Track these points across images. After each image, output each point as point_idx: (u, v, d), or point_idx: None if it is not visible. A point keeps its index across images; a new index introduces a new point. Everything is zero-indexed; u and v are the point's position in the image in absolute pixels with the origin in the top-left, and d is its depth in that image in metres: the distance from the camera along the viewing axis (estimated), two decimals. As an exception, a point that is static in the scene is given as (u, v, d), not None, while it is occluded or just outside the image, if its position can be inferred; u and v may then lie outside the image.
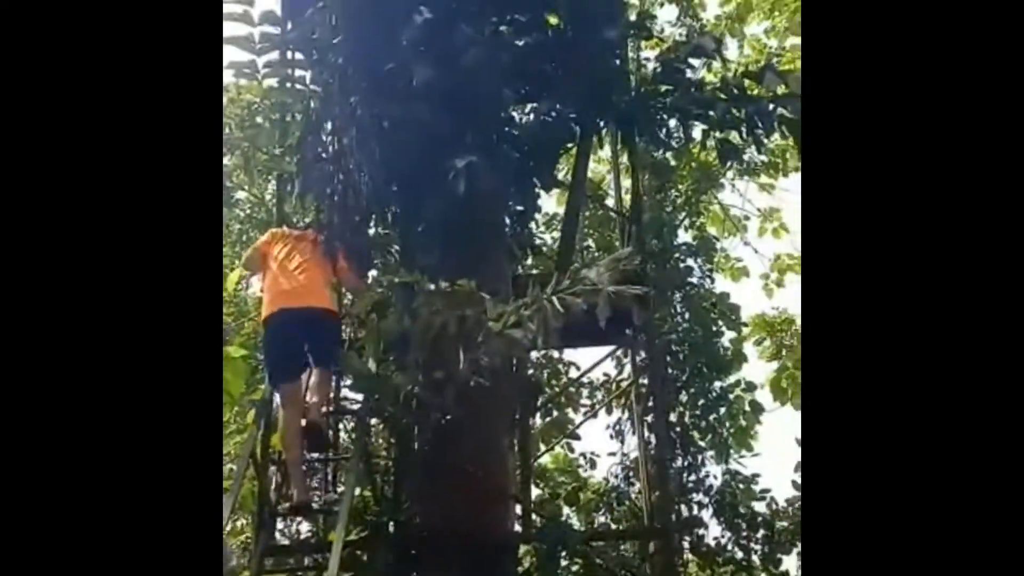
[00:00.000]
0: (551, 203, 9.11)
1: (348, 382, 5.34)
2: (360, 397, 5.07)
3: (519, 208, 5.31)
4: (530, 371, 7.01)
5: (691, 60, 5.01)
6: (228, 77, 5.74)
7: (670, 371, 7.61)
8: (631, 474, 7.81)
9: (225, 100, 6.89)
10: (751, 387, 8.22)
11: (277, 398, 4.71)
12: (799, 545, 6.87)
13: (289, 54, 5.29)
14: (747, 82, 5.02)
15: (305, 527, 6.63)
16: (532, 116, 5.34)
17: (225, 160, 6.31)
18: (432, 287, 3.90)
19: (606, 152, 8.19)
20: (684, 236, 8.56)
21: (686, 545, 7.11)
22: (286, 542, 6.31)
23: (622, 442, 7.85)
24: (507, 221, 5.24)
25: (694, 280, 8.10)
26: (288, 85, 5.19)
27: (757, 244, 12.62)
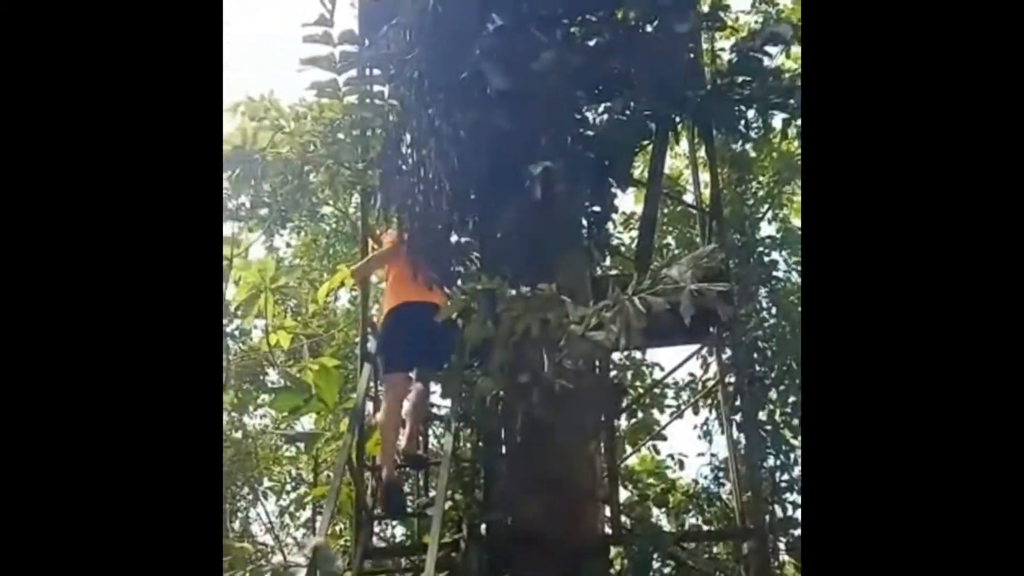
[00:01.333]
0: (629, 202, 9.05)
1: (436, 388, 5.45)
2: (448, 402, 5.16)
3: (596, 209, 5.31)
4: (614, 373, 6.98)
5: (767, 48, 4.89)
6: (310, 96, 5.96)
7: (758, 368, 7.43)
8: (721, 475, 7.66)
9: (308, 118, 7.15)
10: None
11: (375, 401, 4.87)
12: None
13: (367, 71, 5.45)
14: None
15: (400, 531, 6.80)
16: (607, 116, 5.33)
17: (311, 177, 6.53)
18: (513, 292, 3.94)
19: (683, 147, 8.08)
20: (768, 229, 8.35)
21: (781, 546, 6.93)
22: (383, 545, 6.48)
23: (710, 442, 7.72)
24: (584, 223, 5.24)
25: (779, 274, 7.89)
26: (367, 101, 5.34)
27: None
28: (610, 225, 6.07)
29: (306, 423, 7.20)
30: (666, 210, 8.40)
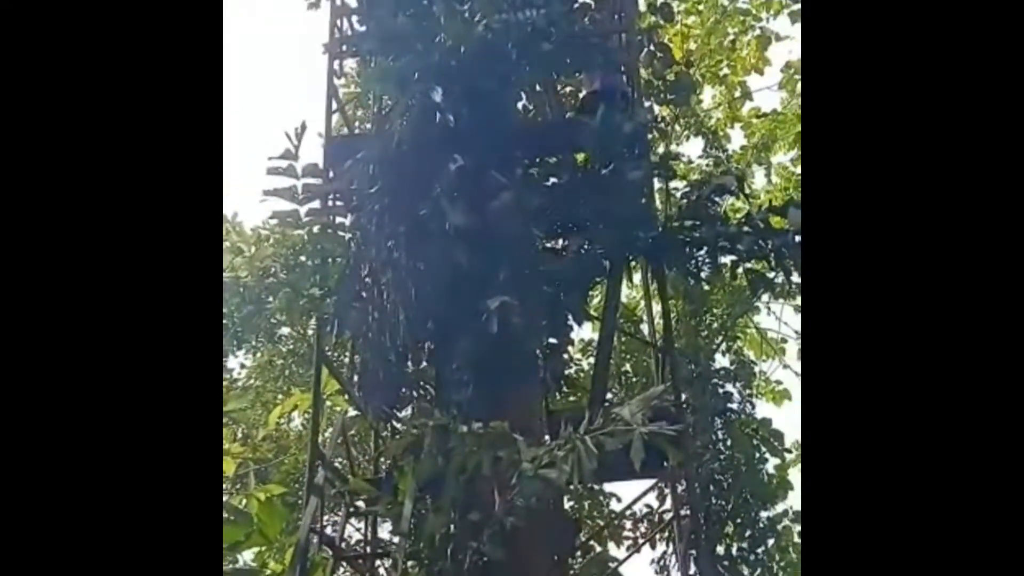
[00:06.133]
0: (586, 329, 9.17)
1: (385, 524, 5.29)
2: (396, 539, 5.00)
3: (552, 342, 5.38)
4: (570, 504, 6.86)
5: (715, 198, 5.17)
6: (273, 223, 6.07)
7: (714, 501, 7.38)
8: (679, 613, 7.42)
9: (271, 240, 7.25)
10: (800, 517, 7.89)
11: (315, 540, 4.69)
12: None
13: (330, 201, 5.59)
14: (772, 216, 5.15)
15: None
16: (563, 253, 5.50)
17: (270, 300, 6.55)
18: (465, 428, 3.92)
19: (639, 277, 8.30)
20: (722, 360, 8.50)
21: None
22: None
23: (668, 578, 7.52)
24: (540, 355, 5.29)
25: (734, 406, 7.97)
26: (328, 231, 5.45)
27: (797, 366, 12.40)
28: (566, 355, 6.14)
29: (248, 556, 6.88)
30: (624, 339, 8.52)
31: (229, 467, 7.25)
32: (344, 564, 6.12)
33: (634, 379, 8.89)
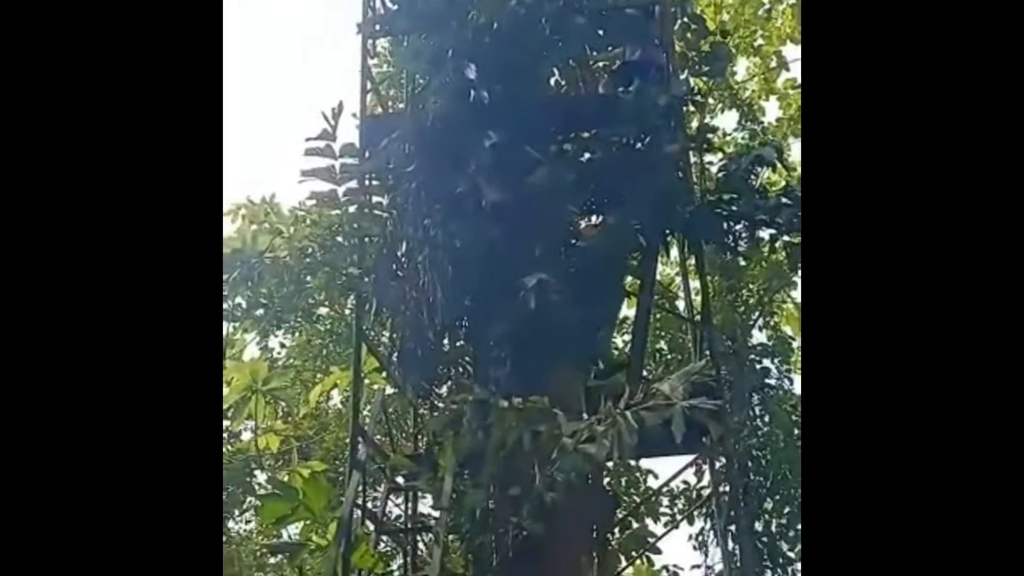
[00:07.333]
0: (623, 306, 9.13)
1: (426, 499, 5.37)
2: (437, 513, 5.07)
3: (588, 318, 5.37)
4: (607, 481, 6.88)
5: (753, 168, 5.09)
6: (311, 204, 6.13)
7: (753, 477, 7.34)
8: (717, 588, 7.44)
9: (307, 222, 7.31)
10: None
11: (363, 510, 4.76)
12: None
13: (367, 181, 5.62)
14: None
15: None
16: (598, 228, 5.47)
17: (308, 280, 6.63)
18: (505, 403, 3.95)
19: (674, 254, 8.24)
20: (759, 336, 8.42)
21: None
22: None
23: (706, 554, 7.53)
24: (577, 332, 5.29)
25: (772, 382, 7.90)
26: (366, 210, 5.49)
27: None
28: (603, 333, 6.13)
29: (293, 530, 7.03)
30: (659, 316, 8.48)
31: (273, 443, 7.40)
32: (386, 538, 6.23)
33: (669, 356, 8.85)
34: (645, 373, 7.19)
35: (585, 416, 4.13)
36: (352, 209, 5.52)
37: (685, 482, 7.92)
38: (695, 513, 7.60)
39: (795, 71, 9.82)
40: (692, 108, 7.18)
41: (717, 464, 6.54)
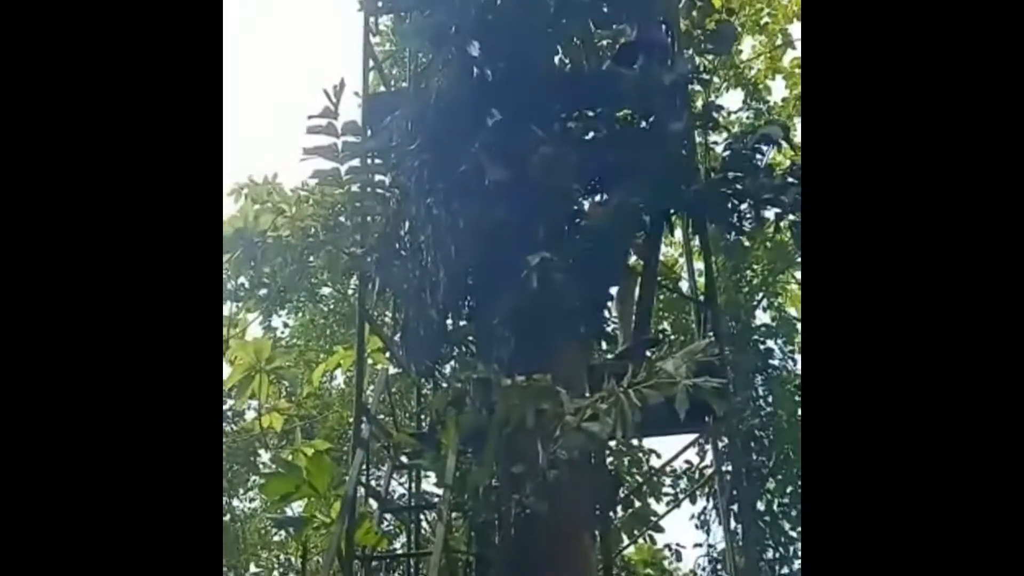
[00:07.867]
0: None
1: (429, 477, 5.39)
2: (440, 491, 5.09)
3: (592, 298, 5.36)
4: (610, 460, 6.90)
5: (759, 147, 5.06)
6: (313, 183, 6.10)
7: (755, 457, 7.37)
8: (719, 566, 7.49)
9: (310, 201, 7.29)
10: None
11: (367, 488, 4.80)
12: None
13: (370, 159, 5.60)
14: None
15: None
16: (602, 207, 5.45)
17: (311, 259, 6.61)
18: (508, 381, 3.95)
19: (678, 235, 8.21)
20: (763, 317, 8.42)
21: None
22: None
23: (708, 533, 7.58)
24: (580, 311, 5.28)
25: (775, 362, 7.90)
26: (368, 189, 5.47)
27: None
28: (606, 312, 6.13)
29: (297, 507, 7.08)
30: (662, 296, 8.47)
31: (277, 422, 7.42)
32: (389, 516, 6.27)
33: (672, 337, 8.85)
34: (648, 354, 7.20)
35: (588, 394, 4.13)
36: (355, 188, 5.50)
37: (688, 461, 7.95)
38: (697, 492, 7.63)
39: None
40: (697, 87, 7.13)
41: (720, 444, 6.56)
